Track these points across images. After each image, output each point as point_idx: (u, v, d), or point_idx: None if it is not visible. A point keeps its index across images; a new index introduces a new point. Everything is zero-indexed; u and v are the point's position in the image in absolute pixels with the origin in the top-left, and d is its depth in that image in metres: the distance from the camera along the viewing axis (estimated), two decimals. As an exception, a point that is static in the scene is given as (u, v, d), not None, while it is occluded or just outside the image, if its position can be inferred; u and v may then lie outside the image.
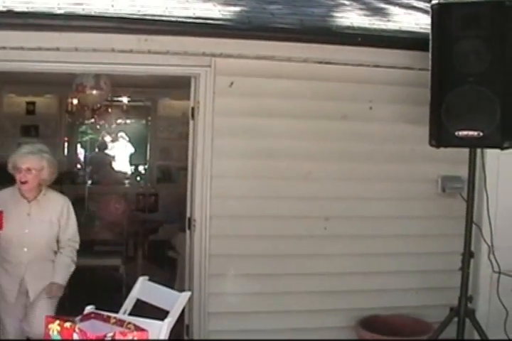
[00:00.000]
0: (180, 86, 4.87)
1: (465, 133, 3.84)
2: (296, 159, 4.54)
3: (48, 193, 3.92)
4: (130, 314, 3.46)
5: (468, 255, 4.06)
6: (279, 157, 4.51)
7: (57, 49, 4.10)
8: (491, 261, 4.55)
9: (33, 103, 9.05)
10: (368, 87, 4.61)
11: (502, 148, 3.87)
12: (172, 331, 3.15)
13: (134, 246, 7.16)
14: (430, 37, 3.97)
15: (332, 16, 4.58)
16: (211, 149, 4.42)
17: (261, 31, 4.18)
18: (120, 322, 2.93)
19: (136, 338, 2.76)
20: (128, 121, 11.97)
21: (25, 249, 3.76)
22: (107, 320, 2.99)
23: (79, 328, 2.75)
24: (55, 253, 3.90)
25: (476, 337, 4.09)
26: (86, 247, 4.33)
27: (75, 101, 8.65)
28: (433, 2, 3.97)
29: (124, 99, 9.80)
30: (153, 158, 10.16)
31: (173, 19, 4.03)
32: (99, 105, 8.94)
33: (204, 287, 4.47)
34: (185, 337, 4.59)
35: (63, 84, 7.19)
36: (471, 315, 4.02)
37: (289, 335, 4.50)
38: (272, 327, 4.51)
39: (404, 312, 4.69)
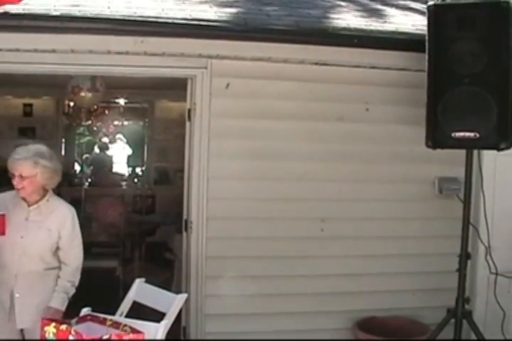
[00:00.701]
0: (177, 87, 4.86)
1: (461, 134, 3.84)
2: (293, 160, 4.54)
3: (52, 200, 3.61)
4: (127, 316, 3.46)
5: (465, 256, 4.05)
6: (275, 158, 4.51)
7: (54, 51, 4.10)
8: (488, 262, 4.55)
9: (31, 105, 9.05)
10: (364, 89, 4.62)
11: (498, 149, 3.87)
12: (169, 333, 3.15)
13: (131, 247, 7.16)
14: (426, 38, 3.97)
15: (328, 18, 4.59)
16: (207, 151, 4.42)
17: (257, 33, 4.18)
18: (116, 325, 2.93)
19: (132, 340, 2.76)
20: (125, 123, 12.00)
21: (17, 256, 3.44)
22: (103, 322, 2.99)
23: (75, 330, 2.76)
24: (52, 269, 3.54)
25: (474, 338, 4.08)
26: (83, 249, 4.27)
27: (72, 103, 8.66)
28: (429, 3, 3.98)
29: (121, 101, 9.79)
30: (151, 160, 10.16)
31: (169, 21, 4.03)
32: (95, 107, 8.95)
33: (201, 289, 4.47)
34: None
35: (60, 86, 7.20)
36: (468, 316, 4.02)
37: (285, 337, 4.50)
38: (269, 328, 4.50)
39: (402, 314, 4.69)
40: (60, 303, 3.47)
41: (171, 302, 3.36)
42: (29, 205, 3.54)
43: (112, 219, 6.82)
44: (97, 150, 12.41)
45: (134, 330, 2.84)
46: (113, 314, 3.36)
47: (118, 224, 6.75)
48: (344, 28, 4.39)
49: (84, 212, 7.43)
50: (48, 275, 3.53)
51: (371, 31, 4.42)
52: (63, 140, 9.89)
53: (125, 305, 3.56)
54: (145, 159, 10.59)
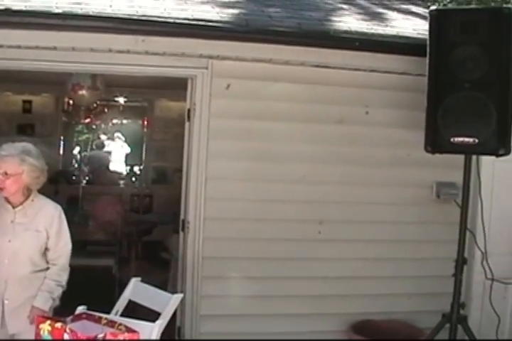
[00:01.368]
0: (177, 87, 4.86)
1: (461, 139, 3.84)
2: (292, 162, 4.54)
3: (37, 199, 3.46)
4: (122, 315, 3.46)
5: (461, 261, 4.05)
6: (274, 160, 4.51)
7: (55, 48, 4.09)
8: (484, 267, 4.55)
9: (30, 102, 9.03)
10: (364, 92, 4.62)
11: (497, 155, 3.88)
12: (163, 333, 3.15)
13: (128, 246, 7.15)
14: (428, 42, 3.97)
15: (330, 20, 4.60)
16: (206, 151, 4.41)
17: (258, 34, 4.19)
18: (111, 323, 2.93)
19: (127, 339, 2.76)
20: (124, 122, 11.98)
21: (6, 261, 3.30)
22: (98, 320, 2.99)
23: (70, 328, 2.75)
24: (40, 271, 3.41)
25: (468, 343, 4.09)
26: (79, 247, 4.26)
27: (71, 101, 8.65)
28: (431, 8, 3.99)
29: (121, 100, 9.78)
30: (149, 159, 10.14)
31: (170, 20, 4.03)
32: (95, 105, 8.93)
33: (196, 289, 4.46)
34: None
35: (61, 83, 7.18)
36: (463, 321, 4.02)
37: (281, 338, 4.49)
38: (265, 330, 4.50)
39: (397, 318, 4.69)
40: (42, 302, 3.34)
41: (166, 302, 3.36)
42: (14, 207, 3.38)
43: (109, 217, 6.81)
44: (93, 148, 12.38)
45: (129, 329, 2.84)
46: (108, 313, 3.36)
47: (115, 223, 6.74)
48: (345, 31, 4.39)
49: (81, 210, 7.45)
50: (38, 278, 3.40)
51: (372, 35, 4.42)
52: (62, 137, 9.88)
53: (120, 304, 3.56)
54: (143, 158, 10.58)
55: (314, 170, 4.57)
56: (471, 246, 4.55)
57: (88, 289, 4.62)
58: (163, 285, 4.54)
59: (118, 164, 12.37)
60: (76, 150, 12.34)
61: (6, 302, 3.31)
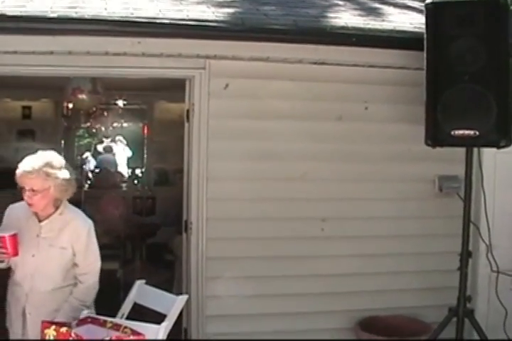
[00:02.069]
0: (176, 88, 4.85)
1: (461, 132, 3.83)
2: (292, 160, 4.53)
3: (66, 213, 3.31)
4: (128, 318, 3.45)
5: (466, 255, 4.05)
6: (274, 158, 4.50)
7: (51, 53, 4.08)
8: (489, 260, 4.54)
9: (29, 107, 9.04)
10: (363, 87, 4.60)
11: (498, 147, 3.87)
12: (170, 335, 3.15)
13: (132, 249, 7.15)
14: (425, 36, 3.97)
15: (326, 17, 4.58)
16: (206, 151, 4.41)
17: (255, 32, 4.17)
18: (116, 327, 2.93)
19: (132, 342, 2.76)
20: (124, 125, 11.99)
21: (29, 276, 3.21)
22: (103, 324, 2.99)
23: (75, 333, 2.75)
24: (65, 287, 3.30)
25: (476, 337, 4.07)
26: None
27: (71, 106, 8.66)
28: (427, 1, 3.97)
29: (120, 103, 9.79)
30: (150, 161, 10.15)
31: (166, 21, 4.01)
32: (94, 109, 8.94)
33: (201, 290, 4.46)
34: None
35: (59, 88, 7.19)
36: (470, 315, 4.01)
37: (287, 337, 4.48)
38: (271, 329, 4.49)
39: (403, 313, 4.68)
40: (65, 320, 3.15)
41: (171, 304, 3.35)
42: (40, 220, 3.25)
43: (112, 220, 6.80)
44: (101, 152, 12.40)
45: (134, 332, 2.84)
46: (114, 316, 3.35)
47: (118, 226, 6.74)
48: (342, 27, 4.37)
49: (85, 213, 7.42)
50: (63, 292, 3.28)
51: (369, 30, 4.40)
52: (62, 142, 9.89)
53: (126, 307, 3.55)
54: (145, 160, 10.59)
55: (315, 167, 4.56)
56: (475, 239, 4.54)
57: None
58: (168, 287, 4.54)
59: (121, 167, 12.40)
60: (79, 154, 12.34)
61: (28, 316, 3.24)
